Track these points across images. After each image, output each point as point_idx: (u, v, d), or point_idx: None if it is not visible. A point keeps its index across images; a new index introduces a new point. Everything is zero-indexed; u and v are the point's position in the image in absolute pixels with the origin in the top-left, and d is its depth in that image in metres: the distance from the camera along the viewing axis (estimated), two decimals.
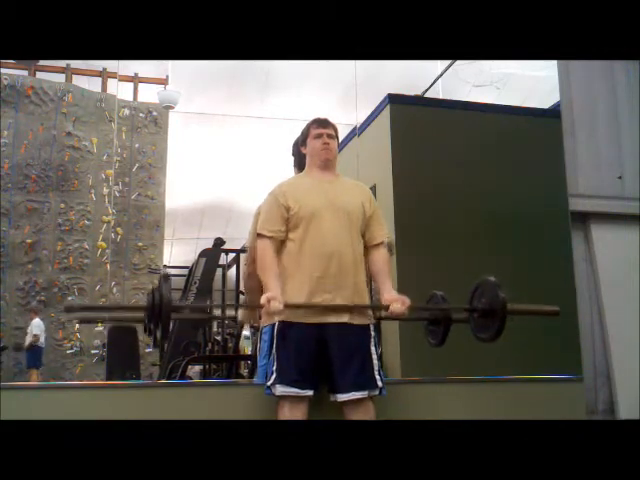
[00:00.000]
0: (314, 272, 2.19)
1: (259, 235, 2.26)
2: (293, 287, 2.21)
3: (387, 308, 2.21)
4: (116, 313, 3.28)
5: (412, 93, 3.91)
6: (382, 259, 2.33)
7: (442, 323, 2.43)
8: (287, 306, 2.11)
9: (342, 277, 2.20)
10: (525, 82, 4.06)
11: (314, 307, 2.17)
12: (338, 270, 2.19)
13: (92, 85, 4.35)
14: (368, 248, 2.33)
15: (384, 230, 2.38)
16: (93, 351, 4.02)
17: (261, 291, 2.20)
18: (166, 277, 2.10)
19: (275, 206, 2.28)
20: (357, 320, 2.21)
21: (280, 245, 2.27)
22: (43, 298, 4.00)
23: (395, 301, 2.20)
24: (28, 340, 3.88)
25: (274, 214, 2.26)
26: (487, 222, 3.21)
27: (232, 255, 4.55)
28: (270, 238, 2.24)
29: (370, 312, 2.29)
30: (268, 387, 2.18)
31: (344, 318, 2.18)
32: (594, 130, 3.41)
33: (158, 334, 2.11)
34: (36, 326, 3.92)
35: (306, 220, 2.23)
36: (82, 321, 3.72)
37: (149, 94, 4.58)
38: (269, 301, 2.08)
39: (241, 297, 4.45)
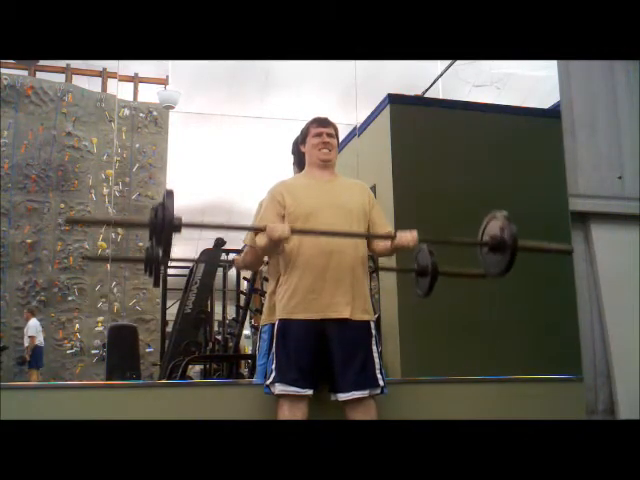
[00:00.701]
0: (313, 270, 2.19)
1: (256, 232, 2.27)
2: (292, 285, 2.21)
3: (394, 238, 2.22)
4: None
5: (412, 93, 3.91)
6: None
7: (430, 274, 2.47)
8: (294, 231, 2.11)
9: (342, 274, 2.20)
10: (525, 82, 4.06)
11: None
12: (338, 268, 2.19)
13: (92, 85, 4.35)
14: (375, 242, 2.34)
15: (389, 227, 2.38)
16: (93, 351, 4.02)
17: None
18: (170, 193, 2.03)
19: (272, 204, 2.29)
20: (358, 316, 2.20)
21: None
22: (43, 298, 4.00)
23: (404, 232, 2.21)
24: (26, 342, 3.88)
25: (271, 212, 2.27)
26: None
27: (233, 255, 4.55)
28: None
29: (371, 308, 2.29)
30: (267, 386, 2.18)
31: (345, 314, 2.17)
32: (594, 130, 3.41)
33: (160, 253, 2.07)
34: (32, 327, 3.91)
35: (304, 218, 2.23)
36: (85, 257, 3.89)
37: (149, 94, 4.58)
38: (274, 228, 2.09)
39: (242, 297, 4.46)
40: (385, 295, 3.30)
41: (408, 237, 2.19)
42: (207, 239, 4.32)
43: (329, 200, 2.27)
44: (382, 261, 2.93)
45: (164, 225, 1.97)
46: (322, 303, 2.16)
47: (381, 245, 2.31)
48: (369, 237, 2.33)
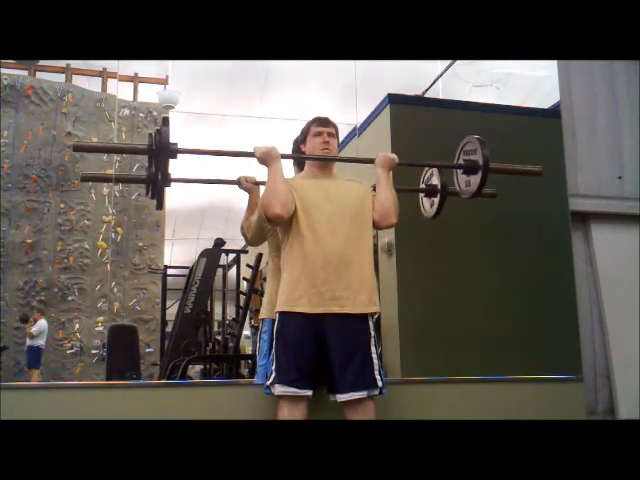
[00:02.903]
0: (315, 268, 2.18)
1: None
2: (294, 278, 2.21)
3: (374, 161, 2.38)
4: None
5: (412, 93, 3.90)
6: None
7: (439, 193, 2.67)
8: (283, 156, 2.28)
9: (345, 271, 2.19)
10: (525, 82, 4.06)
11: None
12: (340, 265, 2.18)
13: (92, 85, 4.36)
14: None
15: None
16: (93, 351, 4.02)
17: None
18: (166, 120, 2.21)
19: None
20: (358, 309, 2.19)
21: (280, 243, 2.31)
22: (43, 298, 4.00)
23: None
24: (28, 339, 3.89)
25: None
26: (487, 222, 3.21)
27: (232, 255, 4.55)
28: None
29: (377, 300, 2.27)
30: (267, 387, 2.18)
31: (346, 309, 2.16)
32: (594, 130, 3.41)
33: (159, 176, 2.23)
34: (38, 326, 3.92)
35: (305, 217, 2.23)
36: (84, 179, 3.98)
37: (149, 94, 4.58)
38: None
39: (242, 297, 4.46)
40: (385, 295, 3.29)
41: (387, 154, 2.38)
42: (207, 239, 4.33)
43: (329, 199, 2.27)
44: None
45: (161, 149, 2.17)
46: (324, 297, 2.16)
47: (376, 202, 2.32)
48: (350, 161, 2.63)
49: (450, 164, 2.60)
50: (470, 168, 2.50)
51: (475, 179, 2.49)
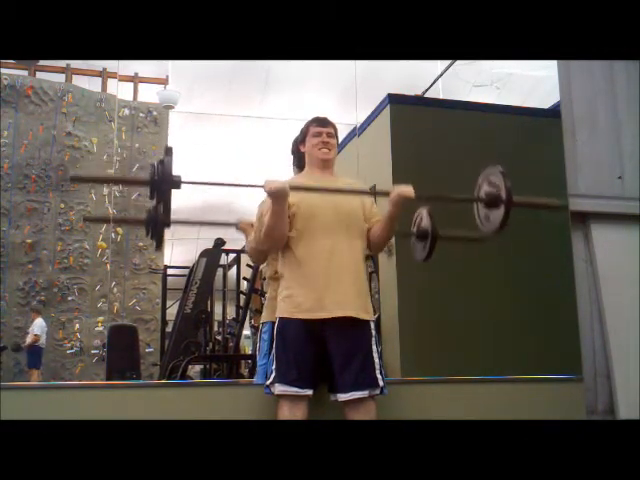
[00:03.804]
0: (314, 269, 2.18)
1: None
2: (293, 284, 2.21)
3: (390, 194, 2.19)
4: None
5: (412, 93, 3.91)
6: None
7: (429, 237, 2.41)
8: (292, 188, 2.10)
9: (342, 274, 2.19)
10: (525, 82, 4.06)
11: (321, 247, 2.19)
12: (338, 267, 2.19)
13: (92, 85, 4.36)
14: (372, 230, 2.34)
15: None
16: (93, 351, 4.02)
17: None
18: (169, 150, 2.08)
19: None
20: (359, 315, 2.19)
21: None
22: (43, 298, 4.00)
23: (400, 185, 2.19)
24: (28, 340, 3.89)
25: None
26: None
27: (232, 255, 4.55)
28: None
29: (371, 308, 2.28)
30: (267, 386, 2.18)
31: (345, 313, 2.16)
32: (594, 130, 3.41)
33: (160, 209, 2.09)
34: (38, 326, 3.92)
35: (305, 218, 2.22)
36: (86, 219, 3.95)
37: (149, 94, 4.58)
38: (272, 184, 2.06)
39: (242, 297, 4.47)
40: (385, 295, 3.30)
41: (405, 188, 2.17)
42: (207, 239, 4.33)
43: (329, 200, 2.27)
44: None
45: (163, 181, 2.02)
46: (323, 303, 2.16)
47: (382, 224, 2.27)
48: (366, 194, 2.34)
49: (469, 197, 2.36)
50: (491, 202, 2.22)
51: (496, 214, 2.20)
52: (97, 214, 4.14)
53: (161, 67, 4.34)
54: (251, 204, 2.68)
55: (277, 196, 2.09)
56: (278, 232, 2.18)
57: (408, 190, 2.16)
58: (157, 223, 2.15)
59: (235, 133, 4.49)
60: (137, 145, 4.51)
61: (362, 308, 2.21)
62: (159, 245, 2.32)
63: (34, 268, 4.02)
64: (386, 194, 2.22)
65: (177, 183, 2.03)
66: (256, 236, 2.28)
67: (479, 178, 2.31)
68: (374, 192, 2.33)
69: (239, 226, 2.61)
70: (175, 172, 2.05)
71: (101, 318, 4.09)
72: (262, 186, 2.08)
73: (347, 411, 2.15)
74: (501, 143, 3.37)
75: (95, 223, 4.10)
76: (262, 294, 3.87)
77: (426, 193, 2.33)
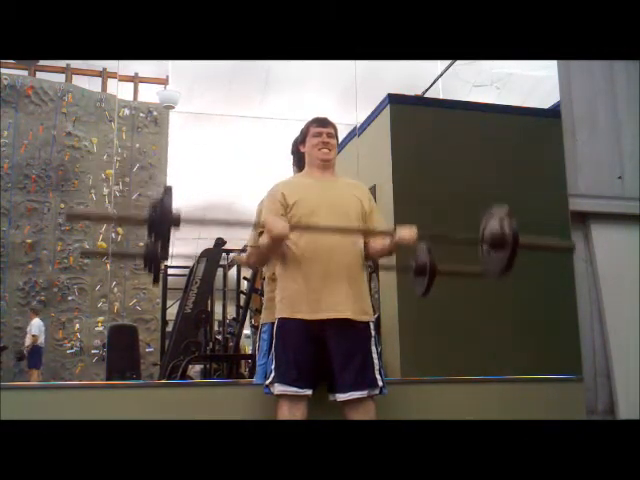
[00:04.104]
0: (313, 270, 2.19)
1: (261, 234, 2.26)
2: (292, 284, 2.21)
3: (394, 236, 2.18)
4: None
5: (412, 93, 3.91)
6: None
7: (427, 273, 2.35)
8: (293, 228, 2.12)
9: (341, 274, 2.19)
10: (525, 82, 4.06)
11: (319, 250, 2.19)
12: (337, 268, 2.19)
13: (92, 85, 4.36)
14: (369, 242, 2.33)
15: (385, 225, 2.38)
16: (93, 351, 4.02)
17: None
18: (168, 189, 2.01)
19: (274, 204, 2.28)
20: (357, 316, 2.20)
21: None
22: (43, 298, 4.00)
23: (403, 228, 2.18)
24: (28, 341, 3.89)
25: (273, 212, 2.26)
26: None
27: (233, 255, 4.55)
28: None
29: (370, 309, 2.29)
30: (267, 386, 2.18)
31: (345, 314, 2.17)
32: (594, 130, 3.41)
33: (159, 249, 2.05)
34: (35, 326, 3.92)
35: (304, 218, 2.23)
36: (84, 253, 3.98)
37: (149, 94, 4.58)
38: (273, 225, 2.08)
39: (242, 297, 4.46)
40: (385, 295, 3.30)
41: (407, 233, 2.16)
42: (207, 239, 4.33)
43: (328, 200, 2.27)
44: (381, 261, 2.93)
45: (162, 221, 1.95)
46: (322, 303, 2.16)
47: (379, 246, 2.30)
48: (370, 233, 2.32)
49: (471, 238, 2.26)
50: (496, 243, 2.09)
51: (501, 256, 2.07)
52: (97, 212, 4.13)
53: (161, 67, 4.34)
54: (251, 204, 2.69)
55: (278, 239, 2.13)
56: (267, 260, 2.43)
57: (410, 235, 2.16)
58: (155, 258, 2.12)
59: (235, 133, 4.49)
60: (137, 145, 4.52)
61: (359, 309, 2.21)
62: (156, 280, 2.33)
63: (34, 268, 4.02)
64: (389, 234, 2.23)
65: (177, 222, 1.96)
66: (249, 256, 2.41)
67: (484, 218, 2.20)
68: (377, 232, 2.33)
69: (236, 261, 2.66)
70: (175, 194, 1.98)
71: (101, 318, 4.09)
72: (262, 227, 2.15)
73: (346, 411, 2.15)
74: (501, 143, 3.37)
75: (92, 257, 4.18)
76: (262, 294, 3.87)
77: (428, 233, 2.29)
